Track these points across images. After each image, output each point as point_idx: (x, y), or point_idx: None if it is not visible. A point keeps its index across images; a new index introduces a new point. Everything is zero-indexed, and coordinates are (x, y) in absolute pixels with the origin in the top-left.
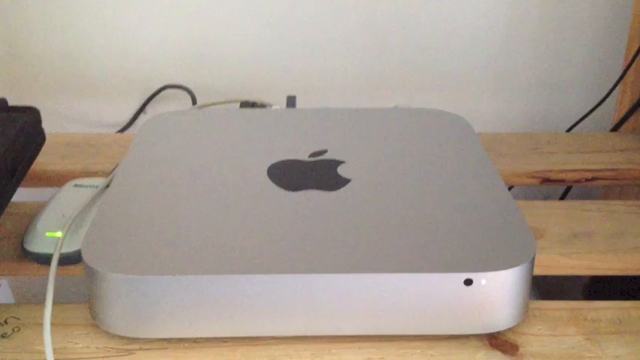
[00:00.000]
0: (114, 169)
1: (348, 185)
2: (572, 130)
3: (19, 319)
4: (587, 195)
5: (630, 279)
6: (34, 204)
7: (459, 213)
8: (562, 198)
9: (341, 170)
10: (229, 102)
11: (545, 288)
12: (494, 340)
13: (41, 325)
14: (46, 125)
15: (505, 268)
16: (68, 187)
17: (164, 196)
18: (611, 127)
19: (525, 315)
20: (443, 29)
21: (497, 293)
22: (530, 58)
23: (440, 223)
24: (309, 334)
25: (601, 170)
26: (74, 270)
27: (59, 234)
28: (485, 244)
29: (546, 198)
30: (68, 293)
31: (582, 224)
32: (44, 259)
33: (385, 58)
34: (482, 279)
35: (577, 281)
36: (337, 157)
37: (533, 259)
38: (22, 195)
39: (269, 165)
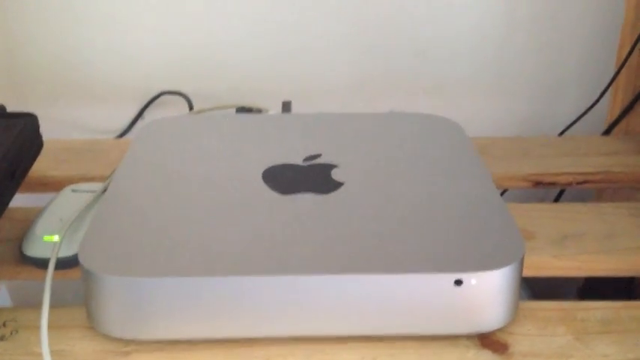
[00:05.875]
0: (111, 174)
1: (342, 188)
2: (565, 134)
3: (16, 321)
4: (580, 198)
5: (623, 280)
6: (33, 209)
7: (449, 215)
8: (556, 201)
9: (334, 174)
10: (226, 107)
11: (539, 292)
12: (485, 339)
13: (38, 327)
14: (45, 131)
15: (495, 268)
16: (66, 192)
17: (160, 200)
18: (603, 130)
19: (515, 315)
20: (437, 34)
21: (487, 293)
22: (523, 62)
23: (430, 225)
24: (303, 334)
25: (592, 173)
26: (72, 274)
27: (56, 238)
28: (475, 245)
29: (540, 202)
30: (66, 298)
31: (573, 226)
32: (42, 264)
33: (380, 63)
34: (472, 279)
35: (571, 285)
36: (331, 162)
37: (523, 259)
38: (20, 201)
39: (264, 169)
